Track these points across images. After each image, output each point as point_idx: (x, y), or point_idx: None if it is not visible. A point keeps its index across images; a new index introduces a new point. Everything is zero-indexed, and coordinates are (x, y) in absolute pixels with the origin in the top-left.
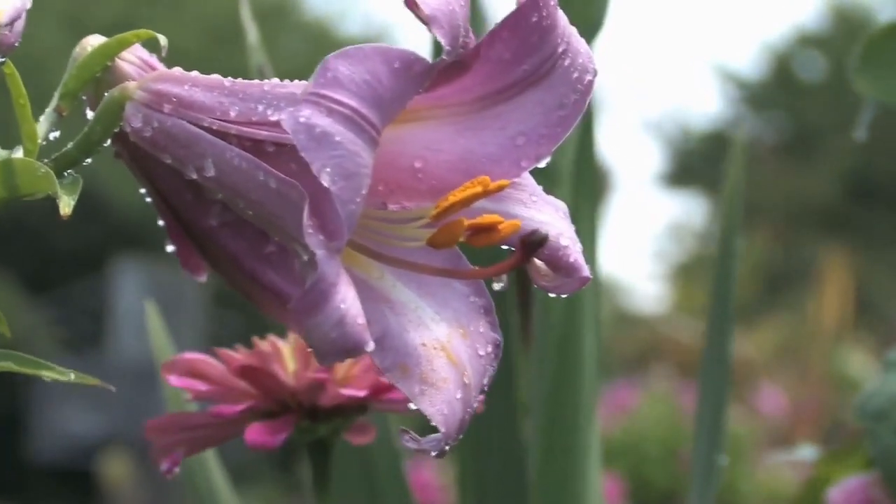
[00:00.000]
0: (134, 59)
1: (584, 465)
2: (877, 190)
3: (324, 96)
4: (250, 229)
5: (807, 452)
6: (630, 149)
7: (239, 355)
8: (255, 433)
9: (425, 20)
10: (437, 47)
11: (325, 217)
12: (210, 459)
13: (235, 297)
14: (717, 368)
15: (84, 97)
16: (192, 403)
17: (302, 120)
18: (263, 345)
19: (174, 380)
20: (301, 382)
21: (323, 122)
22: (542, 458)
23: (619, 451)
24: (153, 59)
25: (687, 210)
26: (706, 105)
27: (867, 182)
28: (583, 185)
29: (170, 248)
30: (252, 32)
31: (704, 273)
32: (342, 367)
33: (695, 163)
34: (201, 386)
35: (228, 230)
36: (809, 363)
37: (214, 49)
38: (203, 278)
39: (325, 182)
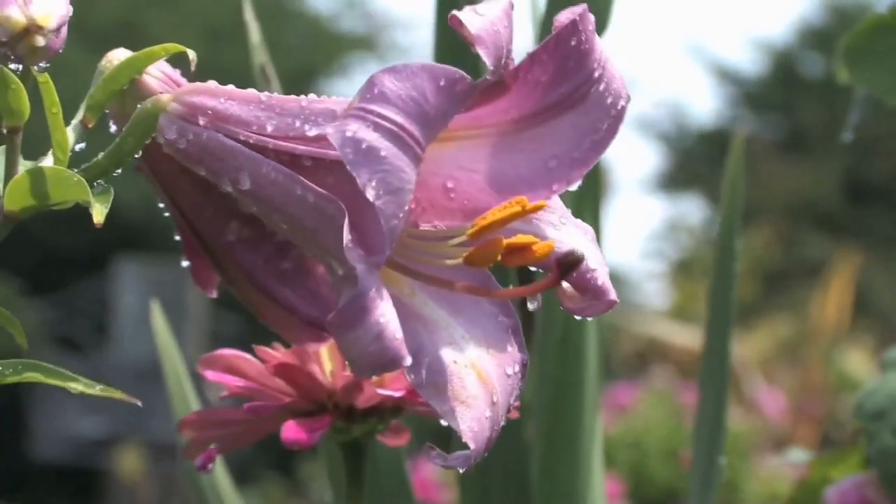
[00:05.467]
0: (157, 73)
1: (586, 465)
2: (877, 189)
3: (370, 111)
4: (267, 246)
5: (798, 456)
6: (628, 148)
7: (277, 353)
8: (291, 431)
9: (470, 40)
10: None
11: (364, 232)
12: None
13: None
14: (717, 368)
15: (107, 111)
16: (193, 404)
17: (349, 134)
18: None
19: (211, 375)
20: (338, 382)
21: (369, 136)
22: (544, 457)
23: (619, 450)
24: (176, 74)
25: (685, 209)
26: (704, 104)
27: (867, 181)
28: (584, 186)
29: (185, 264)
30: (255, 32)
31: (704, 271)
32: None
33: (693, 162)
34: (238, 382)
35: (245, 246)
36: (809, 363)
37: (214, 49)
38: (213, 294)
39: (370, 196)
